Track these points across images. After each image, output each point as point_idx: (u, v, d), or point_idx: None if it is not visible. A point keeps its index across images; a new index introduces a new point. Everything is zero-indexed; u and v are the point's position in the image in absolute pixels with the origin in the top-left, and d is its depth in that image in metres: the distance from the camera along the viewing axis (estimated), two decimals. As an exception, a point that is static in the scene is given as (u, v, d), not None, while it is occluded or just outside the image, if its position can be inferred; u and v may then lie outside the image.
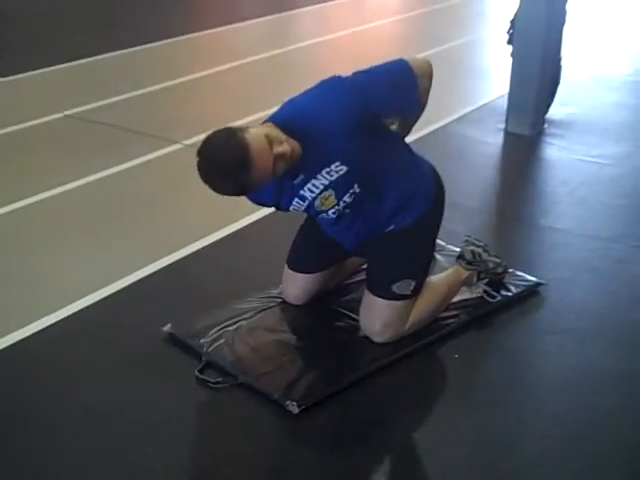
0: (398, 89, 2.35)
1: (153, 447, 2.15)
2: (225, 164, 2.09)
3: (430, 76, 2.44)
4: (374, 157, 2.35)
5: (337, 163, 2.29)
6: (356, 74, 2.32)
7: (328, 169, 2.29)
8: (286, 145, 2.15)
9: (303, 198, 2.37)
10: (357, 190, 2.37)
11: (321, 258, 2.69)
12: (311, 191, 2.35)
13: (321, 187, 2.33)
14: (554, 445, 2.17)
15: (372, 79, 2.32)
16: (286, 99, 2.35)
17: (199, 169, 2.13)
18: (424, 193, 2.53)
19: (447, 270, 2.77)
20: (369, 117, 2.29)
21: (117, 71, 5.87)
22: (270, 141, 2.11)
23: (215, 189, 2.16)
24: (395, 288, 2.48)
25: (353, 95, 2.26)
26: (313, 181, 2.32)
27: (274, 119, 2.26)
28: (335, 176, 2.31)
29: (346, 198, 2.38)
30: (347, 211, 2.43)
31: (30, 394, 2.38)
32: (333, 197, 2.37)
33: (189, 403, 2.34)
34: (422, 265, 2.57)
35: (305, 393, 2.30)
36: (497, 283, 2.82)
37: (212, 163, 2.12)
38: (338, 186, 2.34)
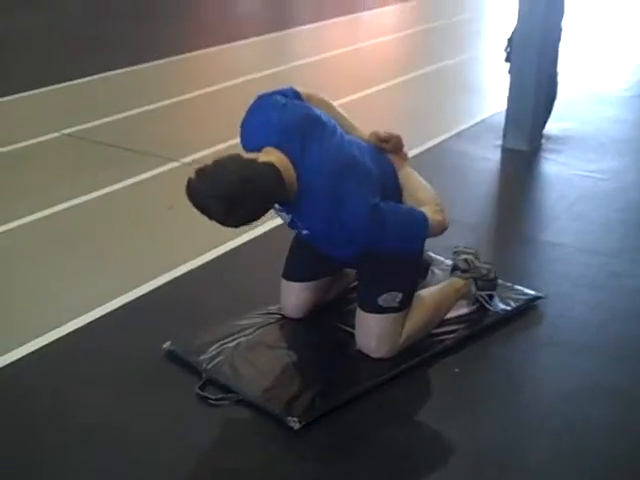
0: (405, 241, 2.42)
1: (153, 465, 2.15)
2: (239, 181, 2.14)
3: (439, 234, 2.49)
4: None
5: (307, 231, 2.41)
6: (381, 210, 2.31)
7: (298, 222, 2.40)
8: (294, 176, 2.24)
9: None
10: (310, 235, 2.46)
11: (315, 266, 2.70)
12: (279, 213, 2.45)
13: (288, 219, 2.44)
14: (553, 460, 2.16)
15: (391, 224, 2.34)
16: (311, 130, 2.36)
17: (191, 187, 2.18)
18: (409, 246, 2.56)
19: (441, 283, 2.77)
20: (367, 247, 2.37)
21: (114, 90, 5.89)
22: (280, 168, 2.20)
23: (202, 211, 2.20)
24: (381, 301, 2.48)
25: (365, 231, 2.30)
26: (283, 213, 2.42)
27: (295, 160, 2.27)
28: (302, 227, 2.42)
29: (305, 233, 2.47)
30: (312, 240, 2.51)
31: (28, 415, 2.37)
32: (297, 227, 2.47)
33: (189, 420, 2.33)
34: (408, 277, 2.56)
35: (305, 409, 2.29)
36: (491, 289, 2.81)
37: (222, 182, 2.14)
38: (294, 224, 2.45)
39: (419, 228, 2.41)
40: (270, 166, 2.20)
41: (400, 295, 2.50)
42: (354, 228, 2.28)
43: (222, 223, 2.21)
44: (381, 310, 2.49)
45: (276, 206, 2.38)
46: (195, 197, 2.17)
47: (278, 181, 2.20)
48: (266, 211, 2.26)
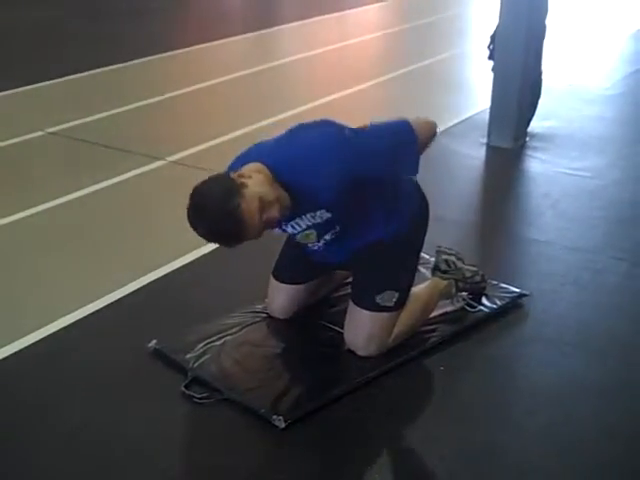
0: (396, 153, 2.37)
1: (138, 464, 2.15)
2: (217, 231, 2.15)
3: (432, 138, 2.47)
4: (360, 204, 2.39)
5: (322, 211, 2.34)
6: (355, 131, 2.31)
7: (313, 214, 2.34)
8: (276, 209, 2.18)
9: (285, 230, 2.44)
10: (338, 229, 2.43)
11: (307, 270, 2.70)
12: (294, 227, 2.41)
13: (304, 227, 2.39)
14: (538, 458, 2.18)
15: (371, 140, 2.32)
16: (281, 134, 2.36)
17: (189, 216, 2.17)
18: (408, 209, 2.55)
19: (425, 282, 2.78)
20: (360, 176, 2.29)
21: (99, 88, 5.87)
22: (263, 206, 2.15)
23: (202, 237, 2.20)
24: (379, 299, 2.49)
25: (348, 156, 2.25)
26: (297, 220, 2.37)
27: (267, 161, 2.25)
28: (319, 220, 2.36)
29: (327, 237, 2.44)
30: (327, 245, 2.48)
31: (11, 415, 2.36)
32: (314, 235, 2.43)
33: (175, 419, 2.33)
34: (406, 277, 2.58)
35: (291, 407, 2.30)
36: (478, 293, 2.83)
37: (204, 224, 2.16)
38: (321, 228, 2.40)
39: (403, 127, 2.37)
40: (249, 187, 2.16)
41: (397, 295, 2.51)
42: (332, 154, 2.22)
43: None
44: (377, 308, 2.50)
45: (277, 230, 2.39)
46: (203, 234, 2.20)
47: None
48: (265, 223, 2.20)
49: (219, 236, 2.19)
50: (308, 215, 2.34)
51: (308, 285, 2.72)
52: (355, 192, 2.29)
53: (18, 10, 8.59)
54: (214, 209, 2.13)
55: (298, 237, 2.46)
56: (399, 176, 2.49)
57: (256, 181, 2.17)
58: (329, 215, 2.35)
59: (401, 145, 2.38)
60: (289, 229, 2.42)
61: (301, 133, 2.33)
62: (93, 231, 3.55)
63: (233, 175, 2.19)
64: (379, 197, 2.45)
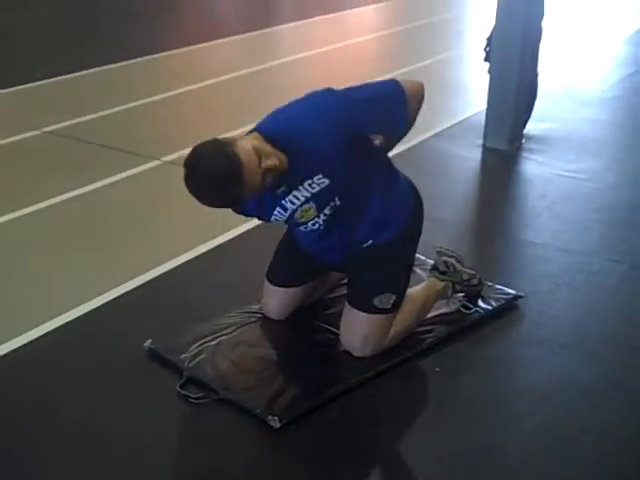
0: (387, 109, 2.37)
1: (134, 464, 2.14)
2: (215, 176, 2.10)
3: (421, 97, 2.47)
4: (357, 172, 2.37)
5: (319, 176, 2.30)
6: (346, 91, 2.34)
7: (310, 181, 2.31)
8: (274, 158, 2.16)
9: (284, 208, 2.39)
10: (338, 203, 2.39)
11: (301, 272, 2.70)
12: (292, 202, 2.36)
13: (302, 199, 2.35)
14: (534, 458, 2.18)
15: (361, 98, 2.34)
16: (275, 108, 2.36)
17: (186, 180, 2.14)
18: (404, 208, 2.55)
19: (422, 283, 2.79)
20: (354, 135, 2.30)
21: (95, 88, 5.86)
22: (259, 154, 2.12)
23: (201, 200, 2.17)
24: (376, 302, 2.49)
25: (340, 113, 2.27)
26: (295, 192, 2.34)
27: (261, 129, 2.27)
28: (317, 189, 2.33)
29: (326, 211, 2.40)
30: (327, 223, 2.44)
31: (10, 411, 2.36)
32: (314, 209, 2.38)
33: (170, 419, 2.33)
34: (402, 279, 2.58)
35: (286, 408, 2.30)
36: (474, 295, 2.84)
37: (201, 175, 2.12)
38: (319, 199, 2.36)
39: (391, 83, 2.39)
40: (242, 141, 2.17)
41: (394, 297, 2.51)
42: (329, 123, 2.24)
43: (230, 205, 2.27)
44: (375, 310, 2.49)
45: (276, 212, 2.38)
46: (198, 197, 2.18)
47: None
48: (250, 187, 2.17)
49: (217, 184, 2.11)
50: (306, 184, 2.31)
51: (302, 288, 2.72)
52: (351, 153, 2.29)
53: (14, 10, 8.57)
54: (208, 152, 2.13)
55: (297, 216, 2.41)
56: (392, 135, 2.47)
57: (247, 139, 2.19)
58: (327, 182, 2.31)
59: (391, 96, 2.38)
60: (288, 205, 2.37)
61: (293, 102, 2.34)
62: (89, 230, 3.54)
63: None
64: (376, 176, 2.44)
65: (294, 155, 2.23)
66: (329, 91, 2.33)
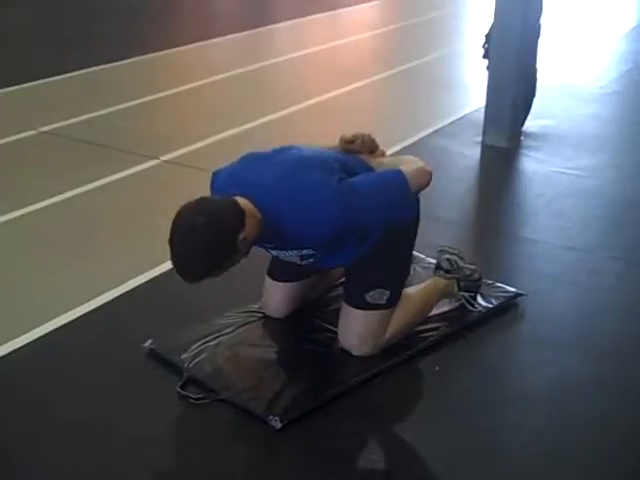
0: (390, 206, 2.38)
1: (134, 464, 2.14)
2: (201, 269, 2.25)
3: (426, 185, 2.47)
4: (343, 242, 2.41)
5: (309, 250, 2.38)
6: (348, 183, 2.31)
7: (299, 251, 2.39)
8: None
9: (268, 250, 2.49)
10: (320, 257, 2.44)
11: (301, 268, 2.69)
12: (277, 254, 2.48)
13: (289, 256, 2.44)
14: (535, 458, 2.18)
15: (364, 199, 2.31)
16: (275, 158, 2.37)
17: (171, 251, 2.27)
18: (384, 215, 2.50)
19: (425, 282, 2.78)
20: (351, 229, 2.33)
21: (92, 87, 5.85)
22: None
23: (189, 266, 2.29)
24: (369, 298, 2.48)
25: (343, 213, 2.24)
26: (283, 251, 2.43)
27: (257, 198, 2.23)
28: (304, 253, 2.40)
29: (311, 260, 2.45)
30: (310, 263, 2.50)
31: (9, 411, 2.35)
32: (298, 259, 2.46)
33: (170, 419, 2.33)
34: (396, 275, 2.57)
35: (287, 408, 2.29)
36: (475, 290, 2.83)
37: (188, 264, 2.26)
38: (304, 258, 2.44)
39: (398, 181, 2.39)
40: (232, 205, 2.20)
41: (388, 293, 2.50)
42: (330, 215, 2.22)
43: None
44: (368, 306, 2.49)
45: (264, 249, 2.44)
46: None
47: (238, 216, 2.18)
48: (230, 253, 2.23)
49: (203, 270, 2.26)
50: (295, 250, 2.39)
51: (302, 283, 2.72)
52: (343, 238, 2.36)
53: (10, 9, 8.55)
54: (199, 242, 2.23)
55: (284, 258, 2.49)
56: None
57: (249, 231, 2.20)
58: (314, 252, 2.39)
59: (394, 201, 2.40)
60: (274, 253, 2.48)
61: (300, 179, 2.28)
62: (87, 230, 3.53)
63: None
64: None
65: (288, 235, 2.27)
66: (337, 187, 2.26)
